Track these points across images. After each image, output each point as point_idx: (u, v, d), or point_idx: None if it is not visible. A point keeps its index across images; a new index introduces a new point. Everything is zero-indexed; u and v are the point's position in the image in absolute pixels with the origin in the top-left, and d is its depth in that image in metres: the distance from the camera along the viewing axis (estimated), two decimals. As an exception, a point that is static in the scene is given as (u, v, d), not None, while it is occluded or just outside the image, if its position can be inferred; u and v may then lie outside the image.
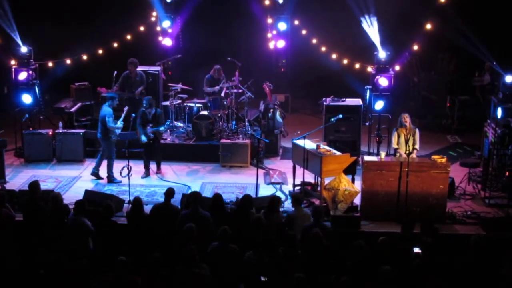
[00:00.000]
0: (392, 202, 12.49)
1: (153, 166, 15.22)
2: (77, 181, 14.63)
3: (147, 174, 15.03)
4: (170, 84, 17.43)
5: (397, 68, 16.59)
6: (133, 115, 14.64)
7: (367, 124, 16.12)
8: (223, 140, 15.91)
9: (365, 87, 16.32)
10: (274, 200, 11.31)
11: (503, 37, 18.69)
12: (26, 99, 16.10)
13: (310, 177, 13.91)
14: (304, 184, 13.81)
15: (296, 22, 18.98)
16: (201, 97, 17.24)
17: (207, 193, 13.74)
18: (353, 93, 16.99)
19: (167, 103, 16.95)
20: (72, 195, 13.54)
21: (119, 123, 14.44)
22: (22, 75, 16.04)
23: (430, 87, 20.05)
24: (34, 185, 11.63)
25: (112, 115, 14.36)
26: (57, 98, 18.29)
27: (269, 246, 9.77)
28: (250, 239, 10.18)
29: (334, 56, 18.16)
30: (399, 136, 13.73)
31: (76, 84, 17.99)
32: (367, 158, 13.22)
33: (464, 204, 13.49)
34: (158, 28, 19.20)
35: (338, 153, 13.27)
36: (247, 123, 16.55)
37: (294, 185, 13.89)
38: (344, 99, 16.07)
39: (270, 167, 15.63)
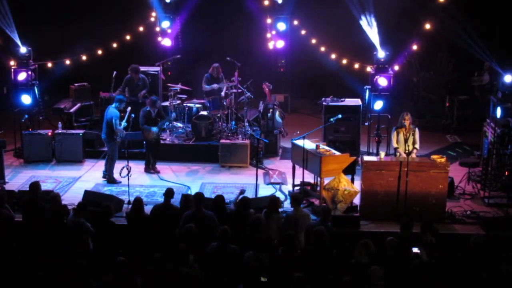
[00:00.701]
0: (391, 202, 12.49)
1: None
2: (77, 182, 14.62)
3: (147, 169, 15.13)
4: (169, 85, 17.43)
5: (396, 68, 16.60)
6: (133, 115, 14.66)
7: (366, 124, 16.12)
8: (222, 140, 15.91)
9: (365, 87, 16.32)
10: (274, 201, 11.31)
11: (502, 37, 18.70)
12: (26, 99, 16.10)
13: (309, 177, 13.92)
14: (303, 184, 13.82)
15: (296, 22, 19.00)
16: (200, 97, 17.24)
17: (207, 194, 13.73)
18: (353, 93, 16.99)
19: (167, 103, 16.95)
20: (72, 195, 13.55)
21: (123, 124, 14.45)
22: (22, 76, 16.04)
23: (429, 87, 20.07)
24: (35, 185, 11.62)
25: (118, 117, 14.35)
26: (56, 98, 18.30)
27: (269, 246, 9.77)
28: (250, 239, 10.19)
29: (333, 56, 18.18)
30: (398, 135, 13.73)
31: (76, 84, 18.00)
32: (366, 158, 13.22)
33: (463, 203, 13.49)
34: (158, 29, 19.23)
35: (337, 153, 13.27)
36: (246, 123, 16.56)
37: (294, 185, 13.89)
38: (344, 99, 16.08)
39: (270, 167, 15.63)
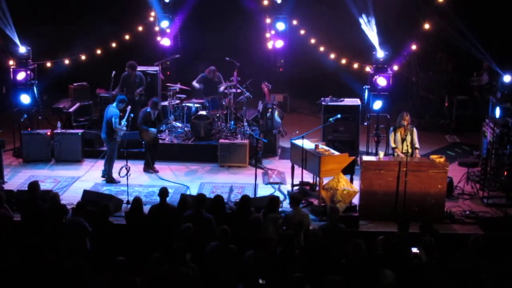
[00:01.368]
0: (390, 202, 12.50)
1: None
2: (76, 181, 14.62)
3: (146, 168, 15.16)
4: (168, 84, 17.43)
5: (395, 68, 16.60)
6: (132, 115, 14.67)
7: (365, 124, 16.13)
8: (221, 140, 15.91)
9: (364, 87, 16.33)
10: (273, 200, 11.30)
11: (501, 36, 18.70)
12: (25, 99, 16.10)
13: (308, 177, 13.92)
14: (302, 184, 13.83)
15: (295, 22, 19.01)
16: (199, 97, 17.24)
17: (206, 193, 13.70)
18: (352, 93, 17.01)
19: (166, 103, 16.95)
20: (71, 195, 13.55)
21: (123, 123, 14.45)
22: (21, 75, 16.04)
23: (428, 87, 20.04)
24: (34, 185, 11.61)
25: (118, 116, 14.36)
26: (55, 98, 18.29)
27: (268, 246, 9.77)
28: (249, 239, 10.19)
29: (332, 56, 18.19)
30: (395, 135, 13.73)
31: (75, 84, 18.00)
32: (365, 158, 13.23)
33: (462, 203, 13.51)
34: (157, 28, 19.22)
35: (336, 153, 13.28)
36: (245, 123, 16.55)
37: (293, 185, 13.89)
38: (343, 99, 16.08)
39: (269, 167, 15.63)
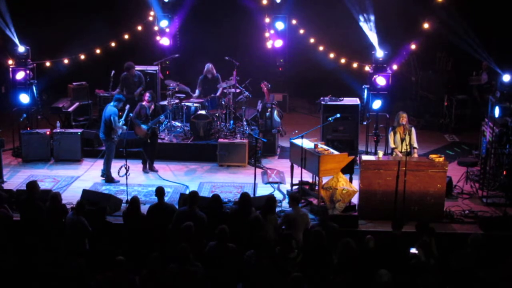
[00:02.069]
0: (389, 201, 12.50)
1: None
2: (75, 181, 14.62)
3: (145, 168, 15.20)
4: (166, 83, 17.40)
5: (394, 67, 16.60)
6: (131, 114, 14.68)
7: (364, 123, 16.12)
8: (221, 140, 15.91)
9: (363, 86, 16.31)
10: (269, 200, 11.28)
11: (500, 36, 18.70)
12: (24, 98, 16.09)
13: (308, 177, 13.92)
14: (302, 183, 13.83)
15: (294, 22, 19.01)
16: (199, 97, 17.22)
17: (205, 193, 13.76)
18: (351, 92, 17.02)
19: (165, 102, 16.95)
20: (70, 194, 13.54)
21: (121, 122, 14.45)
22: (20, 75, 16.03)
23: (427, 86, 20.08)
24: (32, 185, 11.59)
25: (117, 114, 14.35)
26: (54, 97, 18.31)
27: (267, 245, 9.77)
28: (248, 239, 10.19)
29: (331, 55, 18.18)
30: (395, 135, 13.74)
31: (74, 83, 17.99)
32: (364, 157, 13.22)
33: (462, 203, 13.51)
34: (156, 28, 19.21)
35: (336, 152, 13.27)
36: (244, 123, 16.55)
37: (292, 185, 13.89)
38: (342, 98, 16.09)
39: (268, 167, 15.63)
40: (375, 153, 14.43)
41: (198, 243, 10.05)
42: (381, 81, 15.60)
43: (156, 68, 17.80)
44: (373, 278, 8.81)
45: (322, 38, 18.54)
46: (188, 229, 10.11)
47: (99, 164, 15.02)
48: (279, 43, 19.06)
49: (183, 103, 16.90)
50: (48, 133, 15.98)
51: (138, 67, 16.80)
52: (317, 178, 13.18)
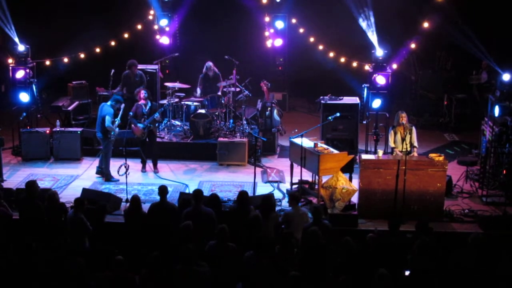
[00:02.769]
0: (389, 201, 12.49)
1: (150, 165, 15.25)
2: (75, 180, 14.61)
3: (143, 168, 15.19)
4: (166, 84, 17.38)
5: (394, 66, 16.58)
6: (131, 113, 14.68)
7: (364, 122, 16.12)
8: (220, 139, 15.90)
9: (363, 85, 16.31)
10: (267, 199, 11.26)
11: (500, 35, 18.70)
12: (24, 97, 16.09)
13: (307, 176, 13.93)
14: (301, 182, 13.83)
15: (294, 21, 19.01)
16: (198, 96, 17.23)
17: (205, 192, 13.68)
18: (351, 92, 17.03)
19: (165, 101, 16.94)
20: (70, 193, 13.53)
21: (117, 121, 14.44)
22: (20, 74, 16.03)
23: (427, 86, 20.09)
24: (31, 184, 11.56)
25: (112, 115, 14.34)
26: (54, 96, 18.31)
27: (267, 245, 9.77)
28: (247, 238, 10.19)
29: (331, 54, 18.18)
30: (395, 134, 13.74)
31: (74, 82, 18.01)
32: (364, 156, 13.23)
33: (461, 202, 13.51)
34: (156, 27, 19.23)
35: (335, 151, 13.27)
36: (244, 122, 16.55)
37: (292, 184, 13.89)
38: (342, 97, 16.09)
39: (268, 166, 15.63)
40: (375, 152, 14.44)
41: (206, 241, 10.04)
42: (381, 80, 15.60)
43: (155, 67, 17.79)
44: (373, 278, 8.82)
45: (322, 37, 18.54)
46: (187, 228, 10.10)
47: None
48: (279, 42, 19.07)
49: (182, 102, 16.90)
50: (48, 132, 15.98)
51: (138, 66, 16.79)
52: (316, 177, 13.19)
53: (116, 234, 11.08)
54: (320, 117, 15.75)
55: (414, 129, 13.81)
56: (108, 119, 14.21)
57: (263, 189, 14.04)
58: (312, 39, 18.60)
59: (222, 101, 16.54)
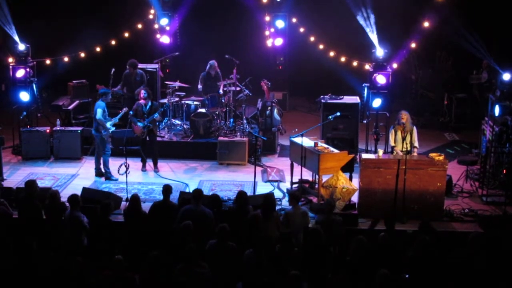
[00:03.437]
0: (389, 200, 12.48)
1: (150, 164, 15.25)
2: (75, 179, 14.62)
3: (143, 168, 15.20)
4: (167, 82, 17.41)
5: (394, 65, 16.59)
6: (131, 112, 14.69)
7: (364, 121, 16.13)
8: (220, 138, 15.91)
9: (363, 85, 16.31)
10: (268, 199, 11.26)
11: (500, 35, 18.70)
12: (24, 96, 16.09)
13: (308, 175, 13.93)
14: (302, 181, 13.83)
15: (294, 20, 19.00)
16: (198, 95, 17.24)
17: (205, 191, 13.69)
18: (351, 91, 17.03)
19: (165, 100, 16.95)
20: (70, 192, 13.37)
21: (112, 121, 14.45)
22: (20, 73, 16.03)
23: (427, 85, 20.09)
24: (30, 183, 11.56)
25: (103, 108, 14.34)
26: (54, 95, 18.31)
27: (267, 244, 9.77)
28: (247, 238, 10.19)
29: (331, 54, 18.18)
30: (396, 134, 13.74)
31: (74, 81, 17.98)
32: (364, 155, 13.22)
33: (461, 201, 13.51)
34: (156, 26, 19.22)
35: (335, 150, 13.28)
36: (244, 121, 16.54)
37: (292, 183, 13.89)
38: (342, 96, 16.09)
39: (268, 165, 15.63)
40: (375, 152, 14.44)
41: (203, 241, 10.03)
42: (381, 79, 15.59)
43: (156, 66, 17.80)
44: (373, 278, 8.82)
45: (322, 37, 18.55)
46: (187, 228, 10.10)
47: (100, 162, 14.98)
48: (279, 41, 19.07)
49: (183, 101, 16.90)
50: (48, 131, 15.98)
51: (138, 65, 16.79)
52: (317, 176, 13.19)
53: (116, 233, 11.06)
54: (320, 117, 15.74)
55: (415, 129, 13.80)
56: (99, 111, 14.23)
57: (263, 188, 14.04)
58: (312, 39, 18.60)
59: (223, 100, 16.54)
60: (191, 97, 17.14)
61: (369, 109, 15.95)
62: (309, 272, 9.31)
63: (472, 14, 18.13)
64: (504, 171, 13.84)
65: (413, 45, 17.75)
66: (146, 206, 11.65)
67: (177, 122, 16.92)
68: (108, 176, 14.57)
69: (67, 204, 11.52)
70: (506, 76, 14.98)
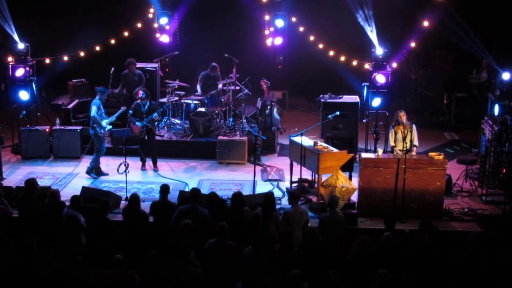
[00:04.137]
0: (389, 199, 12.48)
1: (150, 163, 15.25)
2: (74, 178, 14.62)
3: (143, 167, 15.20)
4: (167, 81, 17.42)
5: (394, 65, 16.60)
6: (130, 111, 14.68)
7: (364, 121, 16.13)
8: (220, 137, 15.90)
9: (363, 84, 16.32)
10: (268, 198, 11.26)
11: (500, 34, 18.70)
12: (23, 95, 16.09)
13: (307, 174, 13.93)
14: (301, 181, 13.83)
15: (294, 19, 18.99)
16: (198, 94, 17.22)
17: (205, 190, 13.72)
18: (351, 90, 17.03)
19: (165, 99, 16.94)
20: (69, 191, 13.51)
21: (109, 120, 14.45)
22: (20, 72, 16.03)
23: (427, 84, 20.09)
24: (30, 182, 11.56)
25: (98, 106, 14.35)
26: (54, 94, 18.29)
27: (267, 243, 9.77)
28: (248, 237, 10.18)
29: (331, 53, 18.18)
30: (396, 134, 13.74)
31: (74, 80, 17.97)
32: (364, 155, 13.22)
33: (461, 201, 13.52)
34: (156, 25, 19.20)
35: (335, 150, 13.28)
36: (244, 120, 16.54)
37: (291, 182, 13.89)
38: (341, 96, 16.09)
39: (267, 164, 15.63)
40: (375, 151, 14.43)
41: (200, 240, 10.03)
42: (380, 79, 15.60)
43: (155, 65, 17.79)
44: (373, 278, 8.82)
45: (321, 36, 18.54)
46: (187, 227, 10.10)
47: (100, 161, 14.99)
48: (278, 41, 19.06)
49: (182, 100, 16.90)
50: (47, 130, 15.98)
51: (137, 64, 16.79)
52: (316, 175, 13.19)
53: (115, 233, 11.06)
54: (320, 116, 15.75)
55: (414, 127, 13.80)
56: (93, 108, 14.24)
57: (262, 187, 14.04)
58: (312, 38, 18.60)
59: (222, 100, 16.53)
60: (190, 96, 17.13)
61: (369, 108, 15.95)
62: (309, 271, 9.30)
63: (472, 13, 18.11)
64: (504, 170, 13.84)
65: (413, 44, 17.76)
66: (146, 205, 11.64)
67: (177, 121, 16.92)
68: (88, 171, 14.55)
69: (67, 203, 11.53)
70: (505, 76, 15.00)
